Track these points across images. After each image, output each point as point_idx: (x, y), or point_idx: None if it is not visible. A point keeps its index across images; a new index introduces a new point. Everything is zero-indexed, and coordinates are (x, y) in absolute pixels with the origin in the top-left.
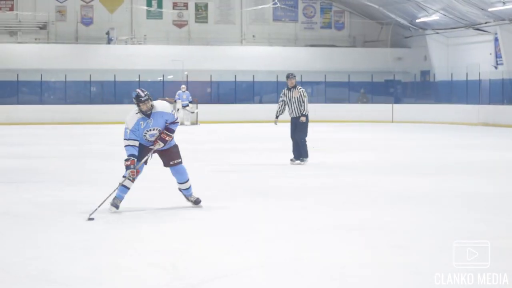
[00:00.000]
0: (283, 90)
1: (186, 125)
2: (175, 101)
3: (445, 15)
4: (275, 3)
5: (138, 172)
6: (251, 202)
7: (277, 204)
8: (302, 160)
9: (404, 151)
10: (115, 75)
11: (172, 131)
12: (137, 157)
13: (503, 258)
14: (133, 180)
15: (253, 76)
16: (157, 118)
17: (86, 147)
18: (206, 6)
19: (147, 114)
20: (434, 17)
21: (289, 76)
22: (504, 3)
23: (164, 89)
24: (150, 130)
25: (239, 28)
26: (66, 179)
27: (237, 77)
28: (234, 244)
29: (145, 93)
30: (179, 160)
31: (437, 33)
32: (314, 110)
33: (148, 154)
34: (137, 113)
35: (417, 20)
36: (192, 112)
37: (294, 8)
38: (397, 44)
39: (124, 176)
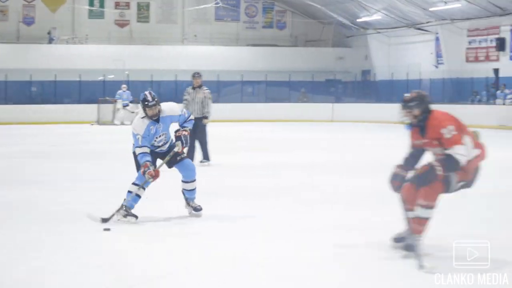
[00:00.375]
0: (187, 89)
1: (127, 124)
2: (116, 101)
3: (386, 15)
4: (217, 3)
5: (157, 174)
6: (210, 202)
7: (250, 204)
8: (202, 162)
9: (356, 150)
10: (55, 75)
11: (187, 128)
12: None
13: (503, 258)
14: (153, 180)
15: None
16: (166, 122)
17: (28, 147)
18: (148, 5)
19: (155, 119)
20: (376, 16)
21: (195, 75)
22: (445, 2)
23: (105, 88)
24: (160, 135)
25: (181, 27)
26: (8, 180)
27: (178, 76)
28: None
29: (153, 97)
30: (185, 154)
31: (379, 32)
32: (254, 109)
33: (168, 156)
34: (143, 117)
35: (358, 20)
36: (133, 112)
37: (236, 8)
38: (338, 44)
39: (134, 184)
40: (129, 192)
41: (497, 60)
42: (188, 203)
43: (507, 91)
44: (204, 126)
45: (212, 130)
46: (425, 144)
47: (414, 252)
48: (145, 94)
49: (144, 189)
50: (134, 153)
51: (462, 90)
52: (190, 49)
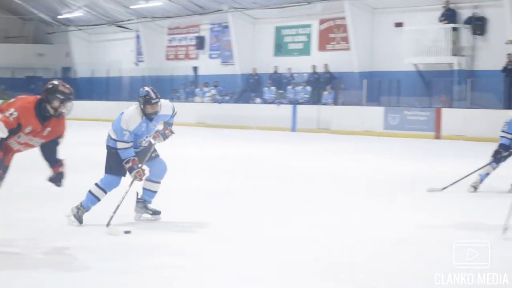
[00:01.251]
0: None
1: None
2: None
3: (88, 12)
4: None
5: (144, 173)
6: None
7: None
8: None
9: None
10: None
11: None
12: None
13: (503, 258)
14: (141, 180)
15: None
16: (158, 121)
17: None
18: None
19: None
20: (77, 13)
21: None
22: (146, 0)
23: None
24: (149, 136)
25: None
26: None
27: None
28: None
29: (156, 93)
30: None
31: (80, 29)
32: None
33: (149, 152)
34: (139, 112)
35: (60, 16)
36: None
37: None
38: (39, 40)
39: (97, 184)
40: (90, 192)
41: (197, 58)
42: (145, 205)
43: (206, 89)
44: None
45: None
46: None
47: None
48: (147, 91)
49: (106, 192)
50: (109, 146)
51: (162, 88)
52: None
